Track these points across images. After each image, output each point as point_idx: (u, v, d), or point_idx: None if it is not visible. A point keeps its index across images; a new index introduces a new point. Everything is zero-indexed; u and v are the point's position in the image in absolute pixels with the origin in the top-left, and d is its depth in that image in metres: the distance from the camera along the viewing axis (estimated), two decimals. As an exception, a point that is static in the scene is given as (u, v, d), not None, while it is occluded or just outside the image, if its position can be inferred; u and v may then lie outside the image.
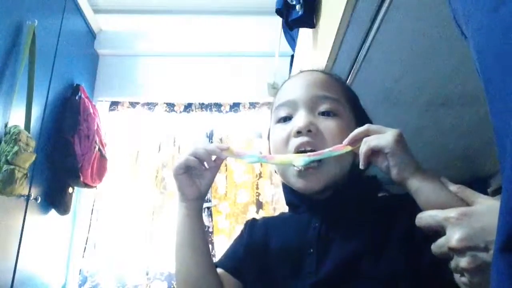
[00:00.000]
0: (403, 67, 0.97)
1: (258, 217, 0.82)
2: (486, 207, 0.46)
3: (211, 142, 2.51)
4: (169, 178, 2.44)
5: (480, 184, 2.05)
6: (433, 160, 1.71)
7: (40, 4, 1.96)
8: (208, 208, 2.34)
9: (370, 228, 0.60)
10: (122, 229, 2.33)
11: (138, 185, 2.43)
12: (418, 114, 1.25)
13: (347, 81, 0.97)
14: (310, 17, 1.26)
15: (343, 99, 0.69)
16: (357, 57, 0.94)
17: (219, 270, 0.71)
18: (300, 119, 0.65)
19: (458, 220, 0.45)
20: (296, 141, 0.64)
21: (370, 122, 0.72)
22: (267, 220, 0.79)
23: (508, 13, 0.27)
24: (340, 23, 0.84)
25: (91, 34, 2.60)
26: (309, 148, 0.63)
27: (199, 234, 0.68)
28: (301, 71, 0.76)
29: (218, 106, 2.59)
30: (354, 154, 0.67)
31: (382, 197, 0.69)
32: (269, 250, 0.69)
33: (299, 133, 0.64)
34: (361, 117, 0.72)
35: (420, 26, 0.77)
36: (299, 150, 0.63)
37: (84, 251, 2.27)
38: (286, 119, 0.68)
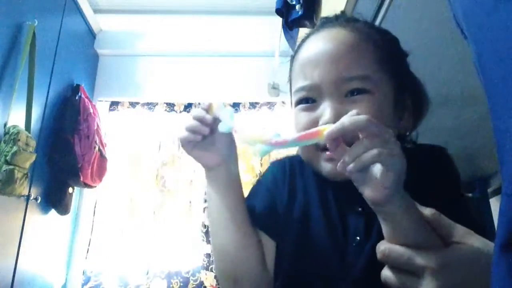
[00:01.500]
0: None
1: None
2: (468, 254, 0.42)
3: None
4: (169, 177, 2.44)
5: (480, 184, 2.05)
6: (433, 160, 1.71)
7: (40, 4, 1.96)
8: (208, 207, 2.34)
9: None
10: (124, 229, 2.33)
11: (139, 185, 2.43)
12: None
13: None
14: (310, 17, 1.26)
15: (377, 69, 0.58)
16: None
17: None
18: (326, 112, 0.56)
19: (437, 272, 0.41)
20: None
21: (412, 83, 0.64)
22: (288, 161, 0.69)
23: (507, 12, 0.27)
24: (340, 23, 0.84)
25: (91, 34, 2.60)
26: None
27: (230, 204, 0.60)
28: (321, 27, 0.64)
29: (218, 106, 2.59)
30: (397, 133, 0.59)
31: (408, 149, 0.59)
32: (307, 215, 0.61)
33: None
34: (401, 80, 0.61)
35: (420, 26, 0.77)
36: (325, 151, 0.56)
37: (87, 252, 2.27)
38: (308, 101, 0.59)
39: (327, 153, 0.56)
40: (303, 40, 0.65)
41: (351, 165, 0.43)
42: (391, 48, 0.62)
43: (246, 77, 2.58)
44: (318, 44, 0.60)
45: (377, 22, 0.82)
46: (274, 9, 1.58)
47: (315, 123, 0.57)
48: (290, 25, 1.45)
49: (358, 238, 0.56)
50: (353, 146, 0.44)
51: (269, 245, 0.62)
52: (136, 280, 2.20)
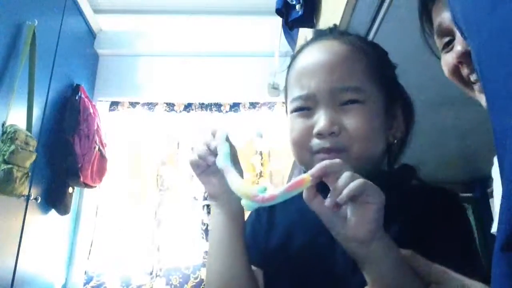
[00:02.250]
0: (403, 67, 0.97)
1: None
2: None
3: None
4: (169, 175, 2.44)
5: (480, 184, 2.05)
6: (433, 160, 1.71)
7: (40, 4, 1.96)
8: (208, 206, 2.34)
9: (404, 218, 0.54)
10: (125, 229, 2.33)
11: (139, 184, 2.43)
12: (418, 114, 1.25)
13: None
14: (310, 17, 1.26)
15: (369, 80, 0.60)
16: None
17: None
18: (321, 119, 0.58)
19: None
20: (316, 144, 0.59)
21: (401, 94, 0.67)
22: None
23: (506, 12, 0.27)
24: (340, 23, 0.85)
25: (91, 34, 2.60)
26: (333, 156, 0.56)
27: (231, 234, 0.61)
28: (316, 39, 0.67)
29: (218, 106, 2.59)
30: (386, 142, 0.62)
31: (414, 186, 0.63)
32: (293, 239, 0.62)
33: (320, 135, 0.58)
34: (391, 91, 0.64)
35: (420, 26, 0.77)
36: (320, 158, 0.58)
37: (89, 252, 2.27)
38: (303, 108, 0.61)
39: (321, 156, 0.58)
40: (299, 51, 0.67)
41: (344, 193, 0.43)
42: (381, 61, 0.65)
43: (246, 77, 2.58)
44: (314, 55, 0.63)
45: (377, 22, 0.82)
46: (274, 9, 1.58)
47: (310, 129, 0.59)
48: (290, 25, 1.45)
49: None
50: (338, 180, 0.45)
51: (257, 273, 0.64)
52: (138, 280, 2.19)
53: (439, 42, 0.63)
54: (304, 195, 0.46)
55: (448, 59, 0.61)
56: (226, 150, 0.57)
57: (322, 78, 0.60)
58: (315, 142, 0.59)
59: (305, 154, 0.61)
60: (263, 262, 0.64)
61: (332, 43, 0.63)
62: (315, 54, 0.63)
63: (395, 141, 0.64)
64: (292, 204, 0.51)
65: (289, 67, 0.68)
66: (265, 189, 0.47)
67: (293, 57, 0.68)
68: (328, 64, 0.60)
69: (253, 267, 0.64)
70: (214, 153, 0.59)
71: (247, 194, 0.47)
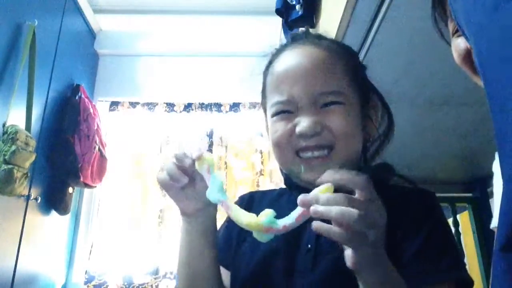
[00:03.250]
0: (403, 67, 0.97)
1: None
2: None
3: (211, 142, 2.51)
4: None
5: (480, 184, 2.05)
6: (433, 160, 1.71)
7: (40, 4, 1.96)
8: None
9: None
10: (126, 228, 2.33)
11: (139, 185, 2.43)
12: (418, 114, 1.25)
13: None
14: (310, 17, 1.26)
15: (347, 83, 0.62)
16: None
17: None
18: (303, 120, 0.59)
19: None
20: (299, 144, 0.59)
21: (374, 94, 0.68)
22: (260, 196, 0.73)
23: (508, 13, 0.27)
24: (340, 23, 0.85)
25: (91, 34, 2.59)
26: (316, 154, 0.59)
27: (199, 253, 0.61)
28: (292, 43, 0.68)
29: (218, 106, 2.59)
30: (364, 140, 0.64)
31: (393, 187, 0.63)
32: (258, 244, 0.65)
33: (304, 135, 0.59)
34: (365, 92, 0.65)
35: (420, 26, 0.77)
36: (305, 156, 0.59)
37: (90, 251, 2.27)
38: (286, 112, 0.62)
39: (307, 159, 0.59)
40: (276, 55, 0.68)
41: (321, 208, 0.44)
42: (355, 63, 0.67)
43: (246, 77, 2.57)
44: (292, 61, 0.64)
45: (377, 23, 0.82)
46: (274, 9, 1.58)
47: (292, 131, 0.60)
48: (290, 25, 1.45)
49: (309, 246, 0.59)
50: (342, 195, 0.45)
51: (225, 275, 0.65)
52: (141, 279, 2.19)
53: (451, 25, 0.62)
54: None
55: (459, 44, 0.60)
56: (219, 182, 0.54)
57: (302, 84, 0.60)
58: (299, 142, 0.60)
59: (288, 156, 0.61)
60: (232, 264, 0.66)
61: (309, 48, 0.64)
62: (294, 60, 0.64)
63: (371, 140, 0.66)
64: (264, 207, 0.52)
65: (266, 70, 0.69)
66: (273, 219, 0.48)
67: (270, 61, 0.69)
68: (308, 70, 0.61)
69: (224, 271, 0.66)
70: (187, 172, 0.57)
71: (259, 228, 0.48)
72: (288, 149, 0.61)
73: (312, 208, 0.45)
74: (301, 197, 0.46)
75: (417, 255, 0.53)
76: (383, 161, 0.66)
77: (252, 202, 0.71)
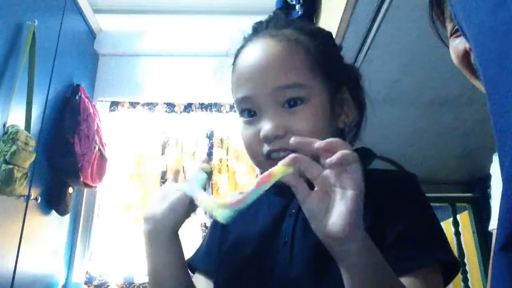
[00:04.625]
0: (403, 67, 0.97)
1: None
2: None
3: (211, 142, 2.51)
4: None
5: (480, 184, 2.05)
6: (433, 160, 1.71)
7: (40, 4, 1.96)
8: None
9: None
10: (126, 228, 2.33)
11: (139, 185, 2.43)
12: (418, 114, 1.25)
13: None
14: (310, 17, 1.26)
15: (310, 74, 0.59)
16: (357, 57, 0.94)
17: (196, 274, 0.66)
18: (265, 123, 0.57)
19: None
20: (266, 148, 0.59)
21: (348, 76, 0.65)
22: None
23: (508, 13, 0.27)
24: (340, 23, 0.85)
25: (91, 34, 2.59)
26: (282, 154, 0.56)
27: (165, 274, 0.59)
28: (253, 36, 0.66)
29: (218, 106, 2.59)
30: (336, 129, 0.62)
31: (374, 171, 0.59)
32: (240, 239, 0.63)
33: (267, 139, 0.57)
34: (336, 77, 0.62)
35: (420, 26, 0.77)
36: (273, 157, 0.58)
37: (90, 251, 2.27)
38: (250, 113, 0.61)
39: (271, 161, 0.57)
40: (239, 49, 0.67)
41: (335, 156, 0.43)
42: (322, 48, 0.63)
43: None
44: (250, 57, 0.63)
45: (377, 23, 0.82)
46: (274, 9, 1.58)
47: (257, 135, 0.59)
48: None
49: (286, 238, 0.58)
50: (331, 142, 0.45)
51: (204, 284, 0.64)
52: (141, 279, 2.19)
53: (450, 26, 0.62)
54: (288, 180, 0.46)
55: (457, 45, 0.60)
56: (202, 178, 0.56)
57: (258, 80, 0.59)
58: (264, 147, 0.59)
59: (259, 160, 0.61)
60: (214, 271, 0.64)
61: (266, 41, 0.62)
62: (251, 56, 0.62)
63: (347, 126, 0.64)
64: (246, 213, 0.51)
65: (232, 66, 0.69)
66: (237, 194, 0.47)
67: (235, 57, 0.68)
68: (264, 65, 0.59)
69: (204, 277, 0.65)
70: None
71: (222, 204, 0.47)
72: (258, 153, 0.60)
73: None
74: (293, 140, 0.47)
75: (401, 239, 0.52)
76: (362, 147, 0.64)
77: None
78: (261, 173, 0.63)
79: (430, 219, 0.57)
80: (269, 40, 0.62)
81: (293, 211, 0.60)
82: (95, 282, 2.19)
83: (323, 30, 0.68)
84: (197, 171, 0.57)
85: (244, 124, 0.62)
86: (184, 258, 0.61)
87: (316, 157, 0.46)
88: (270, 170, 0.46)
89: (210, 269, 0.65)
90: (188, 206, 0.57)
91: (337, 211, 0.42)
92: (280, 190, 0.60)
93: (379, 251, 0.46)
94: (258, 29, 0.67)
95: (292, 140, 0.47)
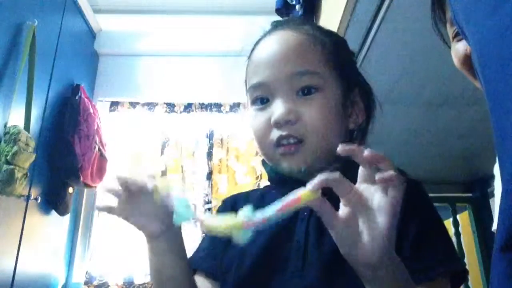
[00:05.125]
0: (403, 67, 0.97)
1: None
2: None
3: (211, 142, 2.51)
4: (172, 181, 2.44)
5: (480, 184, 2.05)
6: (433, 160, 1.71)
7: (40, 4, 1.96)
8: (209, 209, 2.34)
9: None
10: (126, 228, 2.32)
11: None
12: (418, 114, 1.25)
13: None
14: (310, 17, 1.26)
15: (325, 66, 0.60)
16: (357, 57, 0.94)
17: (196, 275, 0.64)
18: (277, 108, 0.58)
19: None
20: (275, 134, 0.58)
21: (360, 81, 0.66)
22: (244, 196, 0.70)
23: (507, 13, 0.27)
24: (340, 23, 0.85)
25: (91, 34, 2.59)
26: (292, 141, 0.57)
27: (173, 273, 0.58)
28: (272, 30, 0.67)
29: (218, 106, 2.59)
30: (346, 129, 0.62)
31: None
32: (251, 243, 0.62)
33: (277, 123, 0.58)
34: (349, 78, 0.63)
35: (420, 26, 0.77)
36: (281, 144, 0.58)
37: (90, 251, 2.27)
38: (263, 101, 0.61)
39: (281, 148, 0.58)
40: (256, 43, 0.68)
41: (386, 173, 0.40)
42: (337, 48, 0.65)
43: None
44: (268, 46, 0.64)
45: (377, 22, 0.82)
46: (274, 9, 1.58)
47: (268, 121, 0.59)
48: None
49: (299, 244, 0.57)
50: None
51: (209, 286, 0.63)
52: (141, 279, 2.19)
53: (450, 30, 0.62)
54: (315, 204, 0.41)
55: (459, 48, 0.61)
56: (184, 202, 0.50)
57: (276, 66, 0.60)
58: (274, 132, 0.59)
59: (268, 148, 0.60)
60: (221, 275, 0.63)
61: (286, 32, 0.64)
62: (270, 45, 0.63)
63: (357, 127, 0.64)
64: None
65: (248, 59, 0.69)
66: (251, 213, 0.44)
67: (251, 50, 0.68)
68: (282, 52, 0.61)
69: (205, 278, 0.63)
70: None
71: (239, 226, 0.44)
72: (267, 141, 0.60)
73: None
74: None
75: (412, 249, 0.51)
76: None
77: (235, 204, 0.68)
78: (268, 161, 0.62)
79: (439, 228, 0.56)
80: (288, 31, 0.64)
81: (305, 214, 0.58)
82: (95, 282, 2.19)
83: (339, 35, 0.70)
84: (172, 197, 0.51)
85: (255, 112, 0.62)
86: (186, 258, 0.61)
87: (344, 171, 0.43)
88: (297, 194, 0.42)
89: (212, 270, 0.64)
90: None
91: (369, 237, 0.40)
92: (291, 189, 0.60)
93: (406, 270, 0.44)
94: (278, 25, 0.68)
95: (340, 148, 0.42)
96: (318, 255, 0.54)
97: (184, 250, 0.60)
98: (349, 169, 0.45)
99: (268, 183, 0.71)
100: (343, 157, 0.61)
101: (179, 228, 0.59)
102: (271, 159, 0.62)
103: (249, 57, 0.68)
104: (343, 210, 0.42)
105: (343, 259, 0.43)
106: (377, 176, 0.40)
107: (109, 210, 0.55)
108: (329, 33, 0.67)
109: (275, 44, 0.63)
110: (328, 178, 0.40)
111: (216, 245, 0.65)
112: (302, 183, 0.53)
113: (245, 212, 0.44)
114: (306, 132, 0.57)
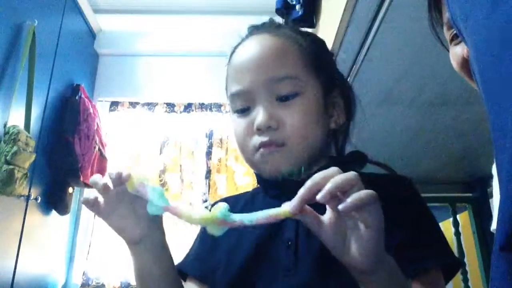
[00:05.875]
0: (403, 67, 0.97)
1: None
2: None
3: (211, 142, 2.51)
4: (171, 181, 2.44)
5: (480, 184, 2.05)
6: (433, 160, 1.71)
7: (40, 4, 1.96)
8: (206, 207, 2.34)
9: None
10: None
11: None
12: (418, 114, 1.25)
13: (348, 79, 0.96)
14: (310, 17, 1.26)
15: (304, 69, 0.60)
16: (357, 57, 0.94)
17: (187, 281, 0.63)
18: (258, 114, 0.58)
19: None
20: (257, 140, 0.58)
21: (340, 81, 0.66)
22: (233, 201, 0.69)
23: (504, 13, 0.27)
24: (340, 23, 0.85)
25: (91, 34, 2.60)
26: (273, 149, 0.57)
27: (153, 280, 0.57)
28: (249, 34, 0.66)
29: (218, 106, 2.59)
30: (328, 130, 0.62)
31: (367, 175, 0.55)
32: (240, 243, 0.60)
33: (259, 130, 0.58)
34: (329, 79, 0.63)
35: (420, 26, 0.77)
36: (261, 148, 0.58)
37: (88, 252, 2.27)
38: (244, 110, 0.61)
39: (261, 150, 0.58)
40: (234, 48, 0.67)
41: (348, 202, 0.38)
42: (316, 49, 0.64)
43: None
44: (246, 51, 0.63)
45: (377, 22, 0.82)
46: (274, 9, 1.58)
47: (250, 127, 0.59)
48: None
49: (289, 242, 0.56)
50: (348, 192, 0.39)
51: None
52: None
53: (448, 34, 0.62)
54: (300, 217, 0.41)
55: (457, 52, 0.61)
56: (158, 191, 0.48)
57: (255, 71, 0.59)
58: (255, 139, 0.59)
59: (250, 154, 0.61)
60: (210, 278, 0.62)
61: (264, 36, 0.63)
62: (248, 50, 0.63)
63: (338, 127, 0.64)
64: (238, 210, 0.48)
65: (227, 65, 0.68)
66: (227, 212, 0.44)
67: (230, 55, 0.68)
68: (260, 57, 0.60)
69: (196, 284, 0.63)
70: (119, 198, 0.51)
71: (214, 221, 0.44)
72: (249, 147, 0.60)
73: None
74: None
75: (405, 244, 0.51)
76: (355, 150, 0.64)
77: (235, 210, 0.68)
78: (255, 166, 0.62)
79: (430, 221, 0.57)
80: (266, 35, 0.63)
81: None
82: (92, 282, 2.18)
83: (317, 36, 0.70)
84: (146, 186, 0.49)
85: (237, 119, 0.62)
86: (169, 264, 0.59)
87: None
88: (279, 211, 0.42)
89: (203, 274, 0.63)
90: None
91: (357, 245, 0.40)
92: (279, 192, 0.60)
93: (399, 269, 0.44)
94: (254, 29, 0.68)
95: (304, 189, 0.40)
96: (309, 253, 0.54)
97: (168, 256, 0.58)
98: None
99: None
100: (324, 159, 0.61)
101: (162, 234, 0.57)
102: (253, 164, 0.62)
103: (228, 63, 0.68)
104: (329, 214, 0.41)
105: (335, 258, 0.43)
106: (340, 208, 0.38)
107: (92, 206, 0.52)
108: (306, 34, 0.67)
109: (252, 49, 0.62)
110: (306, 194, 0.40)
111: (204, 248, 0.65)
112: (288, 184, 0.52)
113: (222, 210, 0.44)
114: (287, 137, 0.58)
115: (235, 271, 0.58)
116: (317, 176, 0.40)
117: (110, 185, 0.50)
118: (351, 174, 0.40)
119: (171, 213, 0.47)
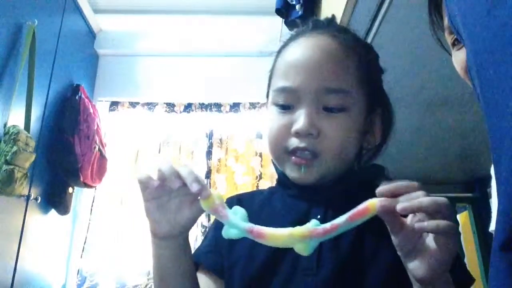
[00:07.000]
0: (403, 67, 0.97)
1: None
2: None
3: (211, 142, 2.51)
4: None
5: (480, 184, 2.05)
6: (433, 160, 1.71)
7: (40, 4, 1.96)
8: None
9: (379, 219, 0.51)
10: (122, 229, 2.32)
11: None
12: (418, 114, 1.25)
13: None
14: (310, 17, 1.26)
15: (357, 85, 0.59)
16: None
17: (199, 272, 0.62)
18: (301, 118, 0.56)
19: None
20: (293, 142, 0.58)
21: (385, 102, 0.65)
22: (249, 197, 0.68)
23: (502, 15, 0.27)
24: (340, 23, 0.85)
25: (91, 34, 2.60)
26: (307, 154, 0.57)
27: (173, 278, 0.56)
28: (311, 31, 0.63)
29: (218, 106, 2.59)
30: (361, 148, 0.62)
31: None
32: (255, 244, 0.59)
33: (297, 133, 0.57)
34: (375, 97, 0.62)
35: (420, 26, 0.77)
36: (296, 154, 0.58)
37: (82, 251, 2.27)
38: (286, 106, 0.59)
39: (294, 158, 0.57)
40: (292, 39, 0.64)
41: (425, 225, 0.41)
42: (372, 66, 0.64)
43: (246, 77, 2.58)
44: (305, 49, 0.61)
45: (377, 22, 0.82)
46: (274, 9, 1.58)
47: (288, 127, 0.58)
48: (290, 25, 1.46)
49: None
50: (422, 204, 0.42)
51: (218, 284, 0.62)
52: (134, 281, 2.19)
53: (449, 38, 0.62)
54: (385, 215, 0.42)
55: (460, 57, 0.61)
56: (242, 214, 0.47)
57: (309, 74, 0.58)
58: (292, 141, 0.58)
59: (280, 152, 0.60)
60: (227, 270, 0.61)
61: (326, 39, 0.61)
62: (307, 48, 0.61)
63: (368, 146, 0.64)
64: (255, 208, 0.48)
65: (278, 52, 0.66)
66: (318, 224, 0.43)
67: (285, 44, 0.65)
68: (318, 61, 0.58)
69: (208, 274, 0.62)
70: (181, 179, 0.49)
71: (304, 235, 0.43)
72: (281, 146, 0.59)
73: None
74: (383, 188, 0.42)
75: None
76: (375, 163, 0.64)
77: (240, 204, 0.67)
78: (277, 164, 0.62)
79: None
80: (328, 37, 0.61)
81: (319, 216, 0.56)
82: (89, 282, 2.18)
83: (374, 49, 0.68)
84: (225, 207, 0.48)
85: (276, 113, 0.60)
86: (191, 265, 0.59)
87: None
88: (365, 204, 0.43)
89: (218, 268, 0.62)
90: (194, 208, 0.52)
91: (424, 260, 0.42)
92: (300, 193, 0.60)
93: (452, 284, 0.46)
94: (318, 26, 0.65)
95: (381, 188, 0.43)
96: (333, 256, 0.54)
97: (188, 258, 0.58)
98: (357, 186, 0.46)
99: (271, 185, 0.71)
100: (352, 174, 0.61)
101: (185, 241, 0.57)
102: (280, 164, 0.61)
103: (279, 52, 0.65)
104: (411, 220, 0.43)
105: (359, 261, 0.44)
106: (416, 226, 0.41)
107: (145, 187, 0.51)
108: (367, 46, 0.66)
109: (311, 49, 0.60)
110: (399, 185, 0.42)
111: (220, 242, 0.63)
112: (310, 188, 0.52)
113: (312, 223, 0.44)
114: (323, 149, 0.57)
115: (255, 268, 0.58)
116: (412, 186, 0.42)
117: (174, 184, 0.48)
118: (441, 200, 0.42)
119: (254, 235, 0.45)
